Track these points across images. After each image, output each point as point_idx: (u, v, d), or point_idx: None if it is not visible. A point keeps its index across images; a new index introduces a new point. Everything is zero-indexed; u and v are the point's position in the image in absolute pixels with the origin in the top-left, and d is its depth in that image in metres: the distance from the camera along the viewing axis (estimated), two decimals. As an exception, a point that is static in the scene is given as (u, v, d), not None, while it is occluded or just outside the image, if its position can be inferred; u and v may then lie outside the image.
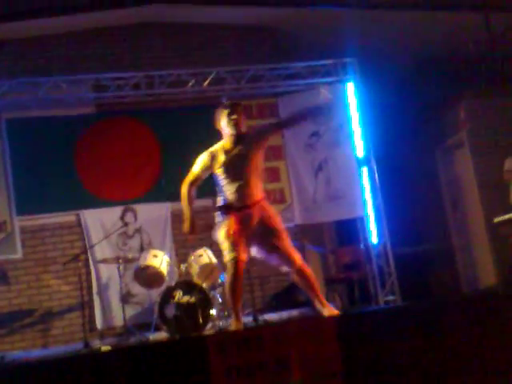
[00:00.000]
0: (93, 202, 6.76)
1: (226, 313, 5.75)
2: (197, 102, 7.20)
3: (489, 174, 6.88)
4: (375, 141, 7.04)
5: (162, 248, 6.26)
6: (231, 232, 3.89)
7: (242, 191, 3.94)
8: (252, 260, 6.13)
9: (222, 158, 4.02)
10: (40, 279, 6.53)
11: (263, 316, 5.80)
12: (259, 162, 4.03)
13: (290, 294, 6.57)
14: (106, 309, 6.48)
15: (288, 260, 3.97)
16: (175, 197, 6.76)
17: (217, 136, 7.15)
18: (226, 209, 3.97)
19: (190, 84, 6.87)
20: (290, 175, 7.27)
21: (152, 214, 6.83)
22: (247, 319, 5.72)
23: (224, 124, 4.08)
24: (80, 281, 5.94)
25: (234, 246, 3.90)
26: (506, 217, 5.92)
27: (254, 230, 3.94)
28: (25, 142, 6.63)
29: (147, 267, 5.68)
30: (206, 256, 5.76)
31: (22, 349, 6.17)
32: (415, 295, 6.16)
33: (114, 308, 6.39)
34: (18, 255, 6.50)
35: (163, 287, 5.65)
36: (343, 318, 3.47)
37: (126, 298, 5.95)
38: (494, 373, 3.07)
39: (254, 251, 4.06)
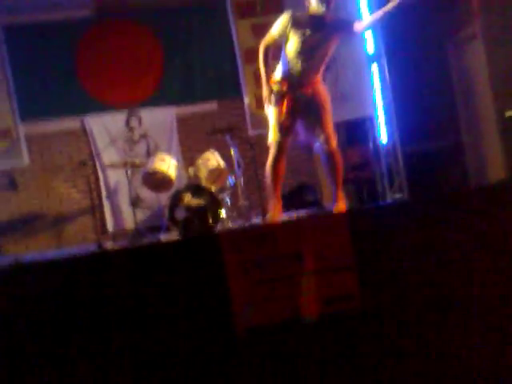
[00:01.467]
0: (96, 106, 6.69)
1: (234, 213, 5.80)
2: (199, 2, 6.92)
3: (502, 67, 6.66)
4: (385, 36, 6.80)
5: (168, 152, 6.22)
6: (283, 112, 3.95)
7: (306, 70, 3.99)
8: (258, 163, 6.17)
9: (301, 29, 3.98)
10: (49, 185, 6.57)
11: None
12: (331, 49, 4.08)
13: (298, 195, 6.60)
14: (116, 212, 6.58)
15: (325, 139, 4.05)
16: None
17: (219, 38, 7.02)
18: (283, 83, 3.98)
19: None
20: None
21: (157, 118, 6.76)
22: (256, 220, 5.79)
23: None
24: (89, 186, 5.97)
25: (281, 128, 4.00)
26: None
27: (304, 106, 4.00)
28: (24, 49, 6.50)
29: (155, 171, 5.65)
30: (213, 159, 5.72)
31: (36, 250, 6.30)
32: (423, 193, 6.17)
33: (124, 212, 6.47)
34: (25, 162, 6.50)
35: (172, 191, 5.66)
36: (354, 213, 3.49)
37: (135, 202, 5.98)
38: (501, 264, 3.10)
39: (297, 128, 4.16)
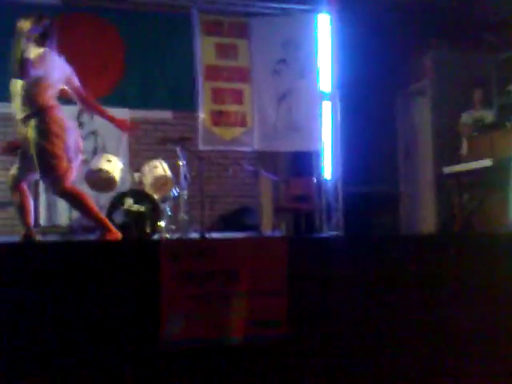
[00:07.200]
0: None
1: (173, 226, 5.79)
2: (167, 9, 6.99)
3: (444, 125, 7.05)
4: (341, 77, 7.06)
5: (116, 154, 6.13)
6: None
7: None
8: (205, 179, 6.21)
9: None
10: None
11: (210, 234, 5.87)
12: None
13: (238, 217, 6.67)
14: (51, 206, 6.40)
15: None
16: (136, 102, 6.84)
17: (181, 50, 7.08)
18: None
19: (163, -12, 6.64)
20: (254, 100, 7.22)
21: (110, 118, 6.66)
22: (194, 235, 5.80)
23: None
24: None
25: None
26: (454, 169, 6.09)
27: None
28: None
29: (99, 170, 5.57)
30: (161, 167, 5.72)
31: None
32: (357, 233, 6.37)
33: (60, 207, 6.28)
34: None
35: (114, 193, 5.60)
36: (293, 240, 3.56)
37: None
38: (428, 304, 3.22)
39: None
